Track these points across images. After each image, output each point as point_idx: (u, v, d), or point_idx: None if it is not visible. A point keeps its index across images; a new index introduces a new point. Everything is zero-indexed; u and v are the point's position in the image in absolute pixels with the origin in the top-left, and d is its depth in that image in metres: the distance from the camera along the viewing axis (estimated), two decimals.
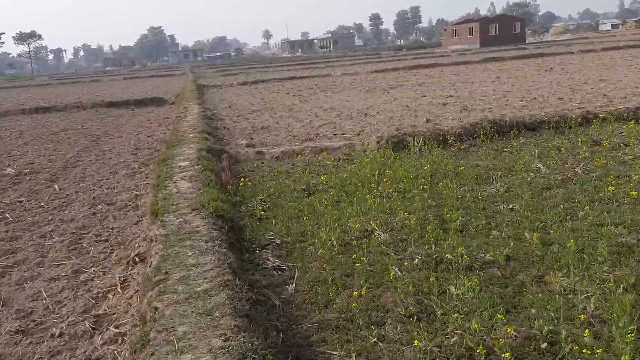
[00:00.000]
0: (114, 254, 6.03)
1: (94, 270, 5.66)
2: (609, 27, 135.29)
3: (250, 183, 8.24)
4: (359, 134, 12.22)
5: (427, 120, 12.84)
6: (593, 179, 7.42)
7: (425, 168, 8.27)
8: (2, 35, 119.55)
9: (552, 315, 4.08)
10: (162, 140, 14.14)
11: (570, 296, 4.36)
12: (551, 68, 26.91)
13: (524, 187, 7.30)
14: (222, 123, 16.00)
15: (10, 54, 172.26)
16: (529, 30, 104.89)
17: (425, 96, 18.69)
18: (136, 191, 8.73)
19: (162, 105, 25.49)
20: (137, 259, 5.51)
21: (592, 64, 28.23)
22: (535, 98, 15.56)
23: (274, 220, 6.67)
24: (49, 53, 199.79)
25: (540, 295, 4.42)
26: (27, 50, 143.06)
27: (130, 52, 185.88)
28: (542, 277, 4.72)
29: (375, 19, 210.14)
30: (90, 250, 6.29)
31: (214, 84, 34.70)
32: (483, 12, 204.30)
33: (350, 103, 18.92)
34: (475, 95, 17.83)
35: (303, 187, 7.95)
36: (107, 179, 9.92)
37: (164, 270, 4.34)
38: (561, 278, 4.57)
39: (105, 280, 5.36)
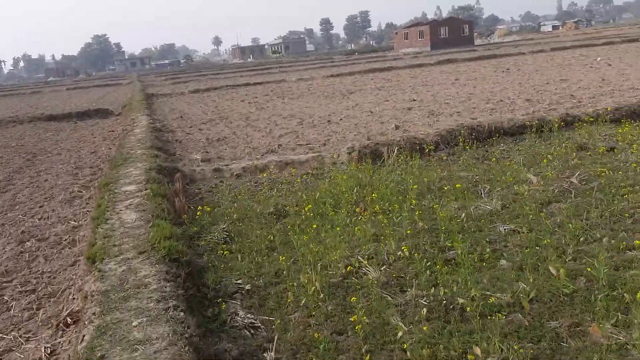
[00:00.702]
0: (42, 311, 4.82)
1: (14, 337, 4.45)
2: (550, 29, 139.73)
3: (208, 208, 7.12)
4: (325, 144, 11.25)
5: (396, 127, 12.00)
6: (594, 190, 6.67)
7: (411, 183, 7.34)
8: None
9: None
10: (106, 157, 12.78)
11: (624, 353, 3.49)
12: (508, 69, 26.72)
13: (520, 203, 6.49)
14: (173, 135, 14.73)
15: None
16: (475, 32, 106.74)
17: (387, 100, 17.91)
18: (74, 221, 7.47)
19: (108, 117, 23.84)
20: (69, 319, 4.34)
21: (547, 63, 28.25)
22: (501, 100, 14.98)
23: (239, 256, 5.59)
24: None
25: (586, 354, 3.52)
26: None
27: (74, 61, 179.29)
28: (579, 325, 3.84)
29: (326, 23, 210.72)
30: (12, 306, 5.05)
31: (164, 93, 33.10)
32: (430, 16, 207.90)
33: (311, 109, 17.96)
34: (438, 98, 17.17)
35: (271, 210, 6.90)
36: (40, 207, 8.57)
37: (100, 353, 3.22)
38: (606, 327, 3.70)
39: (28, 353, 4.16)
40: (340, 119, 14.80)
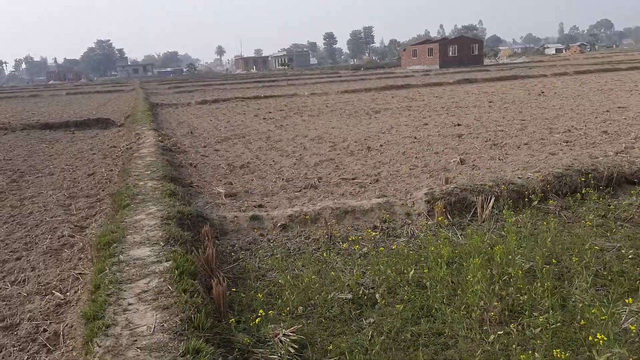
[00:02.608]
0: None
1: None
2: (554, 51, 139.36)
3: (260, 295, 4.84)
4: (377, 180, 9.12)
5: (461, 161, 9.91)
6: None
7: (529, 254, 5.17)
8: None
9: None
10: (106, 183, 10.63)
11: None
12: (542, 92, 24.73)
13: None
14: (186, 157, 12.58)
15: None
16: None
17: (427, 124, 15.83)
18: (59, 292, 5.30)
19: (109, 128, 21.72)
20: None
21: (582, 87, 26.27)
22: (569, 131, 12.91)
23: None
24: None
25: None
26: None
27: (76, 65, 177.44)
28: None
29: (329, 38, 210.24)
30: None
31: (169, 103, 31.03)
32: (433, 34, 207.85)
33: (338, 131, 15.87)
34: (486, 124, 15.10)
35: (347, 295, 4.75)
36: (17, 259, 6.39)
37: None
38: None
39: None
40: (381, 145, 12.71)
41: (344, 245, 6.07)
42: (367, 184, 8.92)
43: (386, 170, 9.84)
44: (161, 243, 5.04)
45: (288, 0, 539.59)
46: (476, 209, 6.62)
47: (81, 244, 6.71)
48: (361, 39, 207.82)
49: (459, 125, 15.13)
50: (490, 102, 21.77)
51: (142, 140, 14.25)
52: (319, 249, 6.05)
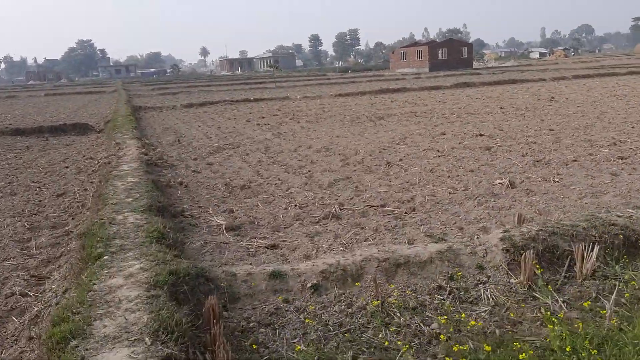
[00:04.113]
0: None
1: None
2: (538, 55, 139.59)
3: None
4: (414, 209, 7.40)
5: (510, 184, 8.23)
6: None
7: None
8: None
9: None
10: (78, 206, 8.78)
11: None
12: (553, 98, 23.25)
13: None
14: (174, 174, 10.75)
15: None
16: None
17: (444, 133, 14.17)
18: None
19: (87, 134, 19.76)
20: None
21: (593, 93, 24.83)
22: (614, 144, 11.32)
23: None
24: None
25: None
26: None
27: (57, 65, 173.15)
28: None
29: (315, 40, 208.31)
30: None
31: (153, 106, 29.03)
32: (418, 37, 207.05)
33: (345, 140, 14.16)
34: (511, 134, 13.49)
35: None
36: None
37: None
38: None
39: None
40: (400, 159, 11.02)
41: (403, 319, 4.33)
42: (402, 215, 7.21)
43: (420, 194, 8.13)
44: (147, 340, 3.27)
45: (273, 1, 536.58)
46: (571, 260, 4.95)
47: (35, 308, 4.89)
48: (347, 41, 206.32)
49: (481, 135, 13.49)
50: (501, 108, 20.21)
51: (123, 151, 12.38)
52: (368, 324, 4.32)
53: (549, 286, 4.62)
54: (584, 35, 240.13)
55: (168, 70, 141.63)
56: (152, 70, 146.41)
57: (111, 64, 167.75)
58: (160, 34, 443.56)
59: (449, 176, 9.28)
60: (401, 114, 19.91)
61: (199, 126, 19.39)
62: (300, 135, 15.66)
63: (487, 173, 9.28)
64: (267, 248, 6.17)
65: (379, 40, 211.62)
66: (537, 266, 4.79)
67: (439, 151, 11.64)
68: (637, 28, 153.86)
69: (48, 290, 5.38)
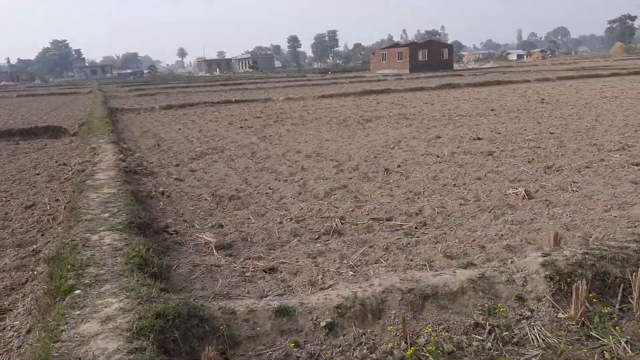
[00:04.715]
0: None
1: None
2: (515, 57, 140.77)
3: None
4: (425, 224, 6.69)
5: (527, 195, 7.57)
6: None
7: None
8: None
9: None
10: (49, 220, 7.88)
11: None
12: (543, 100, 22.80)
13: None
14: (155, 181, 9.88)
15: None
16: None
17: (439, 137, 13.52)
18: None
19: (60, 137, 18.69)
20: None
21: (582, 95, 24.48)
22: (623, 148, 10.78)
23: None
24: None
25: None
26: None
27: (31, 66, 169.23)
28: None
29: (294, 41, 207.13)
30: None
31: (130, 107, 27.95)
32: (396, 39, 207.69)
33: (335, 144, 13.43)
34: (510, 137, 12.90)
35: None
36: None
37: None
38: None
39: None
40: (398, 166, 10.32)
41: None
42: (413, 230, 6.49)
43: (427, 206, 7.43)
44: None
45: (251, 2, 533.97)
46: (624, 289, 4.28)
47: None
48: (326, 43, 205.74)
49: (479, 139, 12.87)
50: (492, 110, 19.68)
51: (99, 157, 11.46)
52: None
53: (608, 323, 3.93)
54: (559, 37, 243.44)
55: (145, 71, 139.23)
56: (129, 71, 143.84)
57: (87, 64, 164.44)
58: (137, 35, 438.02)
59: (454, 184, 8.60)
60: (390, 116, 19.25)
61: (180, 129, 18.48)
62: (286, 138, 14.89)
63: (497, 181, 8.62)
64: (265, 272, 5.40)
65: (357, 41, 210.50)
66: (593, 298, 4.11)
67: (438, 156, 10.97)
68: (612, 31, 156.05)
69: (9, 327, 4.53)
